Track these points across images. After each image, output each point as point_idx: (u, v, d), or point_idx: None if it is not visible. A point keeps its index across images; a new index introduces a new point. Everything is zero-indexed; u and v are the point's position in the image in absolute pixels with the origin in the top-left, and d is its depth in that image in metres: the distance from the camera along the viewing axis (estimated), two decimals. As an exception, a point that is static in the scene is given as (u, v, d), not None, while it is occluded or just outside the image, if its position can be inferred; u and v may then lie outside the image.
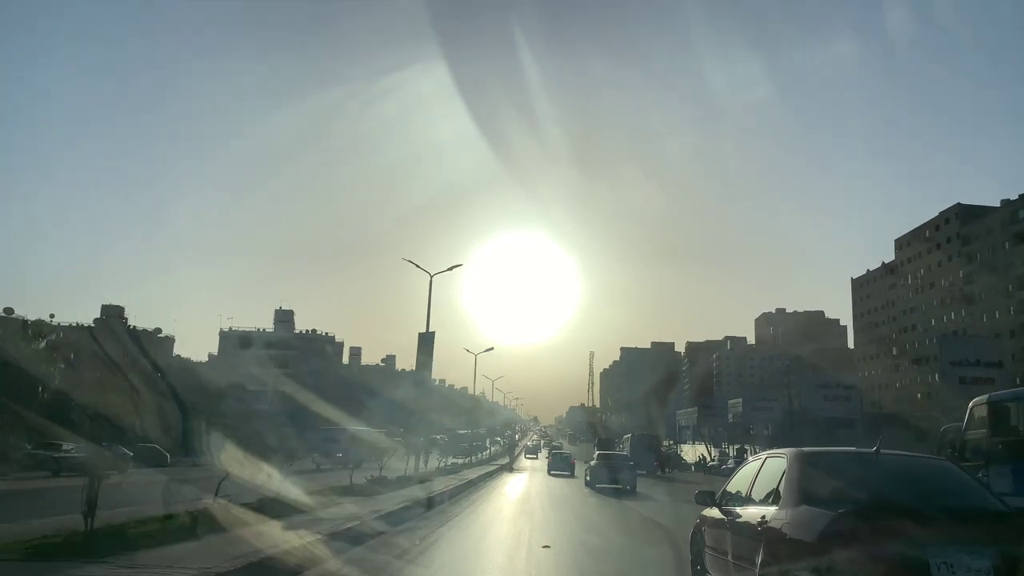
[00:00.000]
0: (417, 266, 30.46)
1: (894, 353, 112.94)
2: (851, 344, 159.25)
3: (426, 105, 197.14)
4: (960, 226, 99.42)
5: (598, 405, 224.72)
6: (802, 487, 5.80)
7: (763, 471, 6.82)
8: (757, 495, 6.63)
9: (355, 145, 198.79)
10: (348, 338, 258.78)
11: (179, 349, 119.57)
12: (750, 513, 6.40)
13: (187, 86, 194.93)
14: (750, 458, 8.35)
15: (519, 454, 73.63)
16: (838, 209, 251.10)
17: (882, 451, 6.17)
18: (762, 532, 5.80)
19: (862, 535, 4.78)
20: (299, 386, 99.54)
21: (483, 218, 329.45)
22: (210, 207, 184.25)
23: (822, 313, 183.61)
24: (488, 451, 70.09)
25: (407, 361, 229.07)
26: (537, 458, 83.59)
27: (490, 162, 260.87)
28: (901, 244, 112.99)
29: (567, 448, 78.81)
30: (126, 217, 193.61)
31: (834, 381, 59.69)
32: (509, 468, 53.25)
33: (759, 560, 5.67)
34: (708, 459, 66.88)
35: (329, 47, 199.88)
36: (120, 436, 37.03)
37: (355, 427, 40.23)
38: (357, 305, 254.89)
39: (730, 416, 79.25)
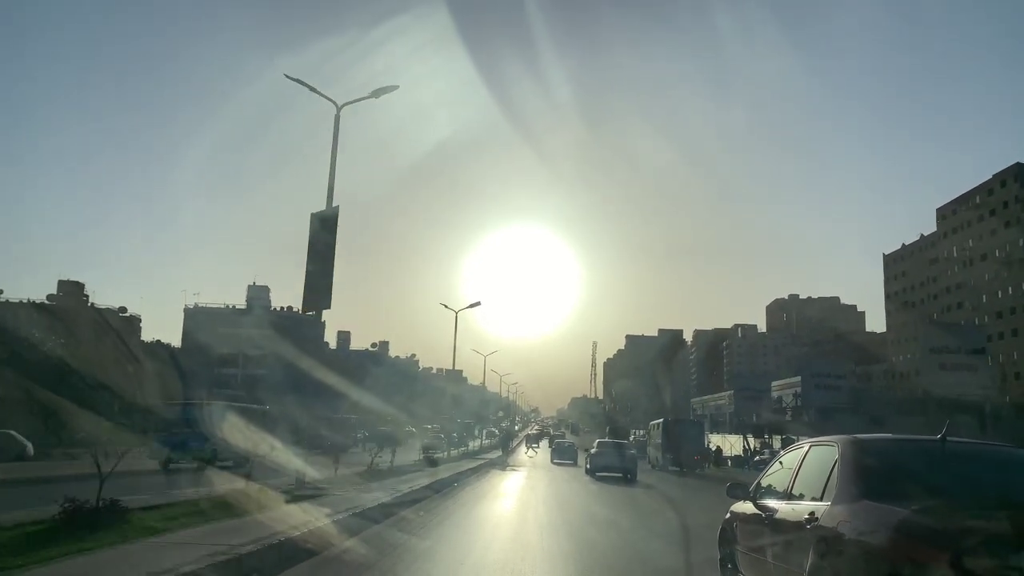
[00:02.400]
0: (313, 90, 15.64)
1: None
2: (870, 330, 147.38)
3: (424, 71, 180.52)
4: (1020, 189, 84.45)
5: (601, 396, 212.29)
6: (861, 480, 4.78)
7: (807, 462, 5.72)
8: (800, 489, 5.56)
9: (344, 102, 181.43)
10: (339, 322, 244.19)
11: (148, 329, 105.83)
12: (793, 509, 5.38)
13: (165, 46, 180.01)
14: (785, 448, 7.16)
15: (517, 446, 58.90)
16: (851, 193, 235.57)
17: (949, 439, 4.93)
18: (812, 531, 4.76)
19: (942, 536, 3.70)
20: (270, 368, 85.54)
21: (481, 204, 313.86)
22: (183, 173, 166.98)
23: (837, 299, 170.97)
24: (479, 441, 55.24)
25: (401, 347, 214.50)
26: (539, 447, 79.38)
27: (488, 148, 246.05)
28: (945, 213, 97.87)
29: (569, 438, 72.04)
30: (90, 188, 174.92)
31: (954, 343, 43.27)
32: (503, 464, 38.53)
33: (808, 563, 4.66)
34: (753, 451, 52.13)
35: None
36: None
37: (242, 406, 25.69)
38: (348, 286, 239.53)
39: (774, 400, 64.05)
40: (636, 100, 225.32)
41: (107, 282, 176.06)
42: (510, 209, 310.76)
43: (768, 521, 5.75)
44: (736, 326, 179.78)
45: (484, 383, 78.51)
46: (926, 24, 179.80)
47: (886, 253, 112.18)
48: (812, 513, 4.88)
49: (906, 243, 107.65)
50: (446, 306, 42.75)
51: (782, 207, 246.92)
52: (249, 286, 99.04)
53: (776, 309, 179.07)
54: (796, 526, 5.07)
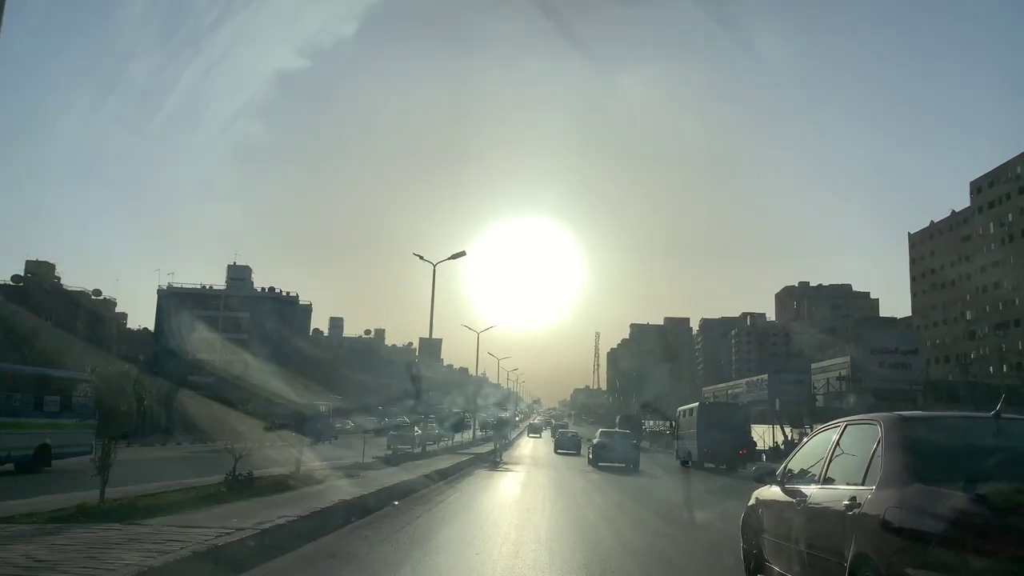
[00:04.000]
0: None
1: (968, 317, 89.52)
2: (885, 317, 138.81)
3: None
4: (1070, 156, 75.68)
5: (604, 387, 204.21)
6: (911, 461, 4.24)
7: (844, 443, 5.19)
8: (836, 473, 5.09)
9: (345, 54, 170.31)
10: (332, 309, 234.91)
11: (124, 314, 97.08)
12: (829, 494, 4.91)
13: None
14: (818, 428, 6.17)
15: (514, 440, 50.19)
16: (861, 179, 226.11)
17: (1004, 415, 4.35)
18: (854, 519, 4.30)
19: (1009, 523, 3.33)
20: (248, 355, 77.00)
21: (482, 196, 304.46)
22: (168, 145, 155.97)
23: (849, 286, 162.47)
24: (471, 432, 46.70)
25: (397, 336, 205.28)
26: (539, 436, 77.76)
27: (488, 138, 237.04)
28: (980, 186, 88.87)
29: (572, 428, 68.72)
30: (63, 163, 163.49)
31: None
32: (495, 460, 29.84)
33: (849, 552, 4.20)
34: (792, 442, 43.56)
35: None
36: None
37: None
38: (344, 272, 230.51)
39: (815, 383, 55.26)
40: (644, 86, 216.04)
41: (79, 263, 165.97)
42: (511, 202, 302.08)
43: (800, 507, 5.27)
44: (745, 314, 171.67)
45: (484, 373, 69.98)
46: None
47: (912, 232, 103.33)
48: (853, 498, 4.41)
49: (935, 220, 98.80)
50: (421, 257, 33.60)
51: (791, 194, 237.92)
52: (229, 265, 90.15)
53: (786, 297, 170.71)
54: (834, 513, 4.62)
